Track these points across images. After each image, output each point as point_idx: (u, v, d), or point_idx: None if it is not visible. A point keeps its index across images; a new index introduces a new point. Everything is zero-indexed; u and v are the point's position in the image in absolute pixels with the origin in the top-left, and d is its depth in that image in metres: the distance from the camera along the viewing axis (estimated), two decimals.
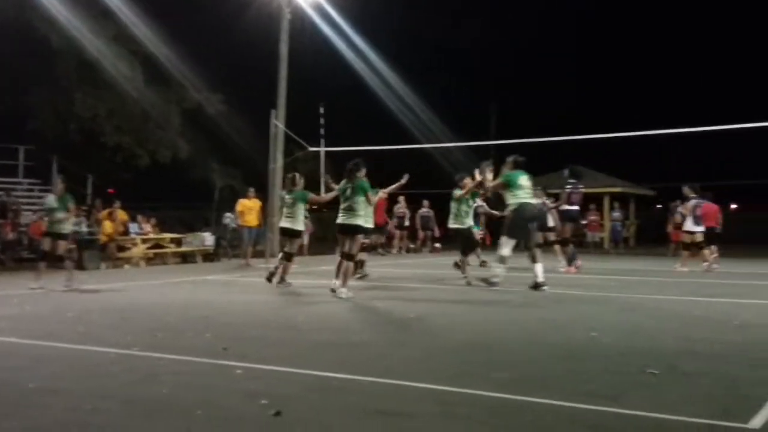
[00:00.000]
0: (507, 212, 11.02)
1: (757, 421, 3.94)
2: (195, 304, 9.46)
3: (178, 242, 19.44)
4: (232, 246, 20.30)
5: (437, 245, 23.74)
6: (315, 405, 4.31)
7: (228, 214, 20.93)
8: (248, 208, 17.64)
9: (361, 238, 10.47)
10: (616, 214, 25.69)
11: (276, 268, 11.69)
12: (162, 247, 18.87)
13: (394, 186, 12.10)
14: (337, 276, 10.33)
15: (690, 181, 16.37)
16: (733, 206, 32.98)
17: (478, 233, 15.92)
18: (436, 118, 33.77)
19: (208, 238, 19.72)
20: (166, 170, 26.99)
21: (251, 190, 18.31)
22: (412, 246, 23.83)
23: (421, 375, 5.04)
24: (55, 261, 11.54)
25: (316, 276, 14.15)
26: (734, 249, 23.87)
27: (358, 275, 12.17)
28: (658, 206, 24.86)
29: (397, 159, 24.84)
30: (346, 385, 4.84)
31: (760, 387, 4.70)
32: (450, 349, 6.14)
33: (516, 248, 11.08)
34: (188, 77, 24.75)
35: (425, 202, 24.07)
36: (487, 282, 11.02)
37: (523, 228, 10.86)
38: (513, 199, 10.84)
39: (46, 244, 11.44)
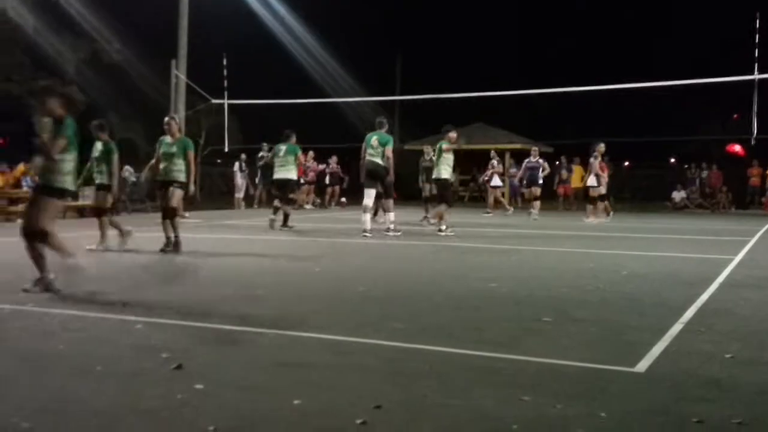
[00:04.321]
0: None
1: (642, 365, 4.17)
2: (91, 258, 9.18)
3: (74, 196, 18.70)
4: (132, 200, 19.76)
5: (343, 200, 23.81)
6: (218, 358, 4.30)
7: (127, 167, 20.33)
8: None
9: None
10: (513, 170, 26.42)
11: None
12: None
13: None
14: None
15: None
16: (626, 163, 34.31)
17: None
18: (344, 71, 33.52)
19: None
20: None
21: None
22: (319, 201, 23.80)
23: (321, 327, 5.09)
24: None
25: (221, 230, 14.01)
26: (625, 203, 25.04)
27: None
28: (557, 163, 25.68)
29: (304, 112, 24.63)
30: (249, 337, 4.83)
31: (645, 333, 4.97)
32: (350, 301, 6.21)
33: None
34: (84, 24, 23.60)
35: (333, 158, 24.03)
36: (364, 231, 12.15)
37: (365, 181, 12.41)
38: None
39: None
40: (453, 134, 13.06)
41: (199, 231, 13.29)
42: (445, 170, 12.85)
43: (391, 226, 12.49)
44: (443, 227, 12.62)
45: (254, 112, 26.74)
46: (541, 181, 19.09)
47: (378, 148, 12.12)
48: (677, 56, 39.36)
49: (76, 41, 23.80)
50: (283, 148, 13.77)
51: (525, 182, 19.95)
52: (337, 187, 24.09)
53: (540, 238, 12.67)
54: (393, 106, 34.35)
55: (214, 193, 30.18)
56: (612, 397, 3.62)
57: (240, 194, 22.93)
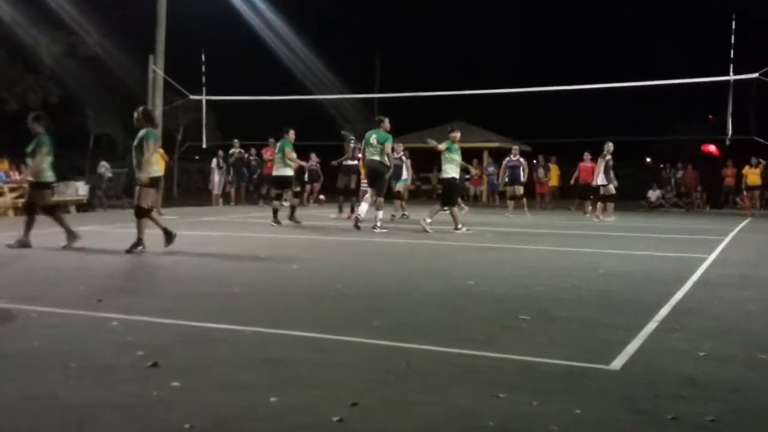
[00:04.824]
0: None
1: (617, 363, 4.20)
2: (67, 255, 9.11)
3: None
4: (107, 196, 19.59)
5: (322, 197, 23.76)
6: (194, 355, 4.27)
7: (103, 163, 20.15)
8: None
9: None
10: (492, 169, 26.59)
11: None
12: None
13: None
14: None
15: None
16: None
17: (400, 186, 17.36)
18: (324, 68, 33.41)
19: (81, 188, 18.91)
20: None
21: None
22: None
23: (302, 324, 5.08)
24: None
25: (198, 227, 13.93)
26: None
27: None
28: (534, 162, 25.81)
29: (284, 109, 24.53)
30: (227, 335, 4.81)
31: (621, 331, 5.01)
32: (328, 299, 6.19)
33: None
34: (61, 17, 23.33)
35: (312, 155, 23.97)
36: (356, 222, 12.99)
37: (369, 180, 13.17)
38: None
39: None
40: (455, 134, 13.24)
41: (176, 227, 13.15)
42: (451, 169, 12.97)
43: (378, 224, 12.72)
44: (427, 220, 12.68)
45: (232, 109, 26.61)
46: (523, 179, 19.30)
47: (377, 146, 12.56)
48: (655, 56, 39.74)
49: (55, 32, 23.49)
50: (278, 145, 14.17)
51: (507, 180, 20.05)
52: (316, 185, 24.03)
53: (518, 237, 12.73)
54: (372, 104, 34.34)
55: (191, 189, 30.02)
56: (588, 394, 3.65)
57: (217, 191, 22.83)
